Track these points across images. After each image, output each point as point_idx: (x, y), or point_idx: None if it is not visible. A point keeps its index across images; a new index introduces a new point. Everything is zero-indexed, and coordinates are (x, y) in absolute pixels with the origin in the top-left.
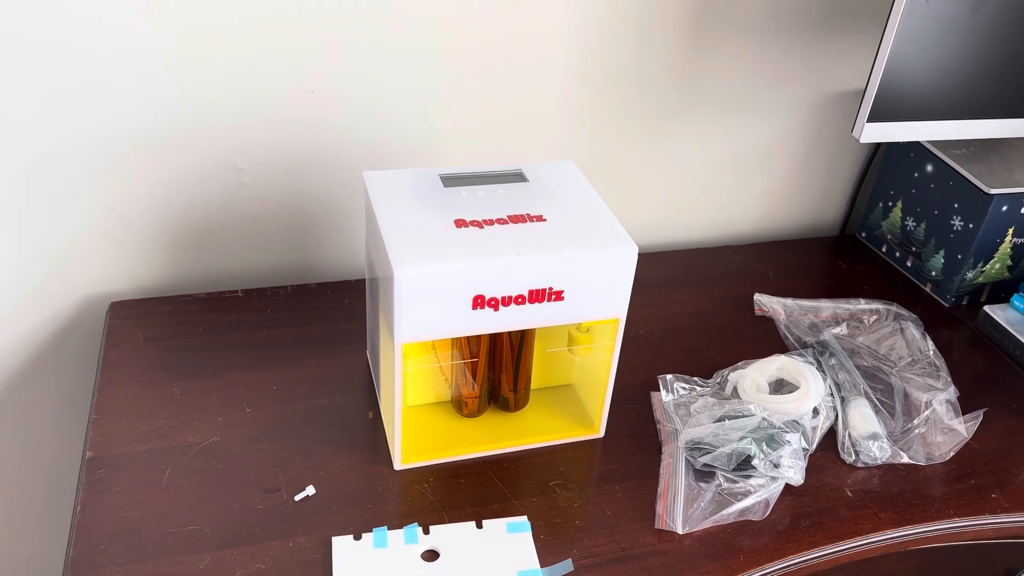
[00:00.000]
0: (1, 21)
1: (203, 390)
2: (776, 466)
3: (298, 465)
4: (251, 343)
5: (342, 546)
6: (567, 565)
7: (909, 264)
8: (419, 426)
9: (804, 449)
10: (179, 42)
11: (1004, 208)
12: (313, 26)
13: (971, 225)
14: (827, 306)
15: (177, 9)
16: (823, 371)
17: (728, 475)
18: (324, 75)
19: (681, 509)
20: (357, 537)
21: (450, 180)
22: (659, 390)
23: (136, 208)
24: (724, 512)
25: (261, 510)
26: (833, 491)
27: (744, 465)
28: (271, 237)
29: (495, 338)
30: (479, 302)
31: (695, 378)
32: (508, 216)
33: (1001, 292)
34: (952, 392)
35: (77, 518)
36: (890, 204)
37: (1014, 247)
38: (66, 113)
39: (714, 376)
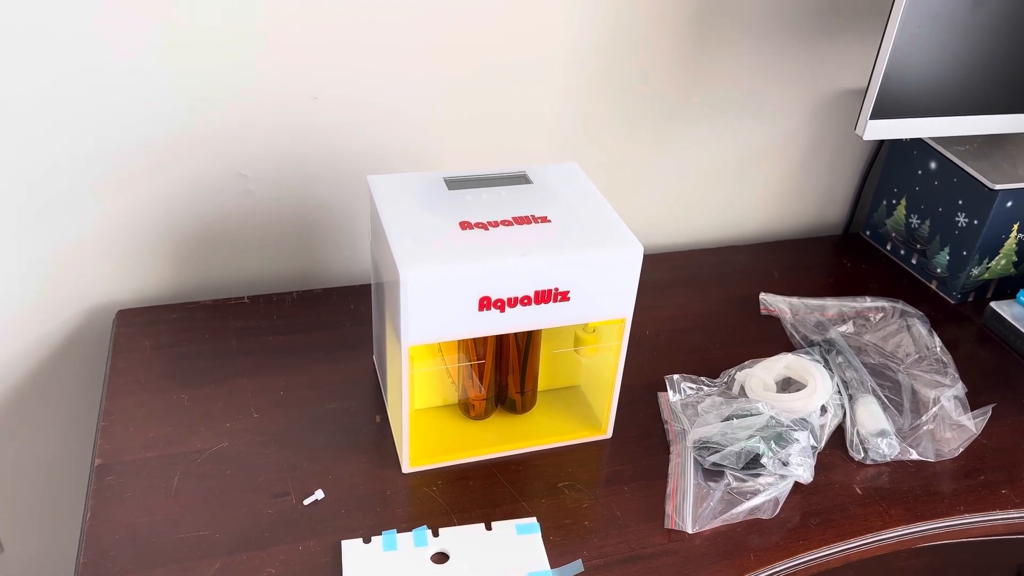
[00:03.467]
0: (5, 29)
1: (210, 396)
2: (785, 464)
3: (306, 469)
4: (258, 349)
5: (352, 549)
6: (577, 566)
7: (914, 261)
8: (426, 429)
9: (813, 447)
10: (182, 51)
11: (1009, 204)
12: (315, 33)
13: (976, 221)
14: (833, 304)
15: (180, 18)
16: (830, 369)
17: (737, 474)
18: (327, 81)
19: (690, 509)
20: (367, 540)
21: (454, 183)
22: (666, 390)
23: (141, 216)
24: (733, 511)
25: (270, 515)
26: (842, 489)
27: (753, 464)
28: (276, 243)
29: (502, 340)
30: (485, 303)
31: (702, 378)
32: (513, 218)
33: (1007, 288)
34: (960, 388)
35: (87, 525)
36: (894, 202)
37: (1019, 243)
38: (69, 121)
39: (721, 376)
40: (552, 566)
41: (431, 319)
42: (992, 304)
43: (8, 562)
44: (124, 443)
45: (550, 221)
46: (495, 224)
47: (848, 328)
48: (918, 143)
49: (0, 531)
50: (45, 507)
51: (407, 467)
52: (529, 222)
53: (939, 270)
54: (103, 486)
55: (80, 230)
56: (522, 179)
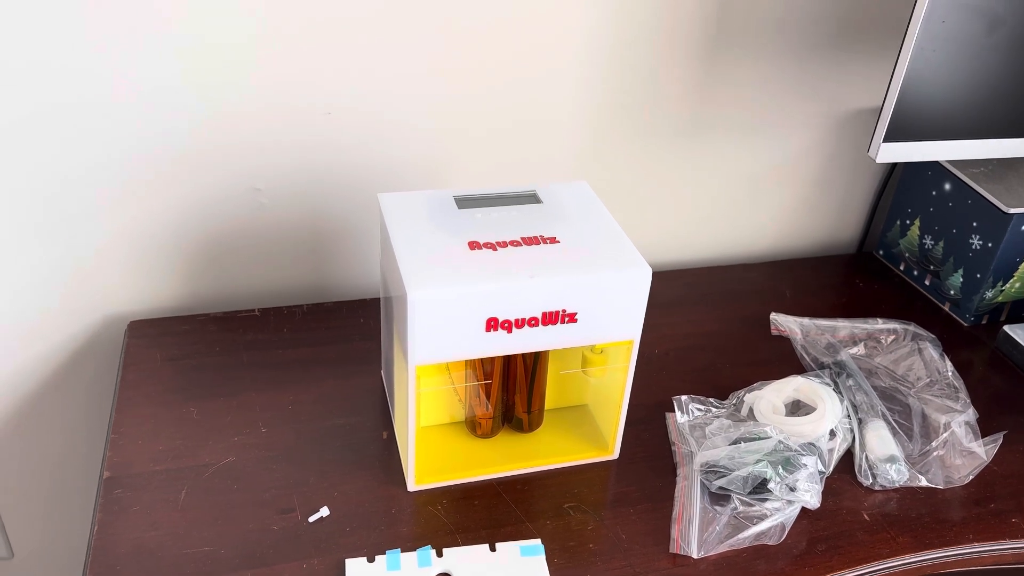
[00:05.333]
0: (21, 44)
1: (219, 410)
2: (792, 489)
3: (313, 486)
4: (267, 362)
5: (355, 569)
6: None
7: (927, 283)
8: (433, 447)
9: (821, 472)
10: (196, 65)
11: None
12: (329, 49)
13: (990, 244)
14: (844, 326)
15: (194, 32)
16: (840, 392)
17: (744, 498)
18: (340, 97)
19: (696, 533)
20: (370, 559)
21: (464, 202)
22: (674, 411)
23: (154, 228)
24: (740, 536)
25: (276, 531)
26: (850, 515)
27: (760, 488)
28: (287, 257)
29: (509, 359)
30: (492, 324)
31: (710, 399)
32: (522, 238)
33: (1021, 311)
34: (971, 414)
35: (94, 538)
36: (908, 222)
37: None
38: (84, 134)
39: (730, 397)
40: None
41: (438, 339)
42: (1006, 328)
43: (19, 568)
44: (133, 456)
45: (559, 242)
46: (504, 244)
47: (859, 350)
48: (933, 164)
49: (11, 537)
50: (56, 513)
51: (412, 485)
52: (538, 243)
53: (952, 292)
54: (111, 499)
55: (95, 241)
56: (532, 198)
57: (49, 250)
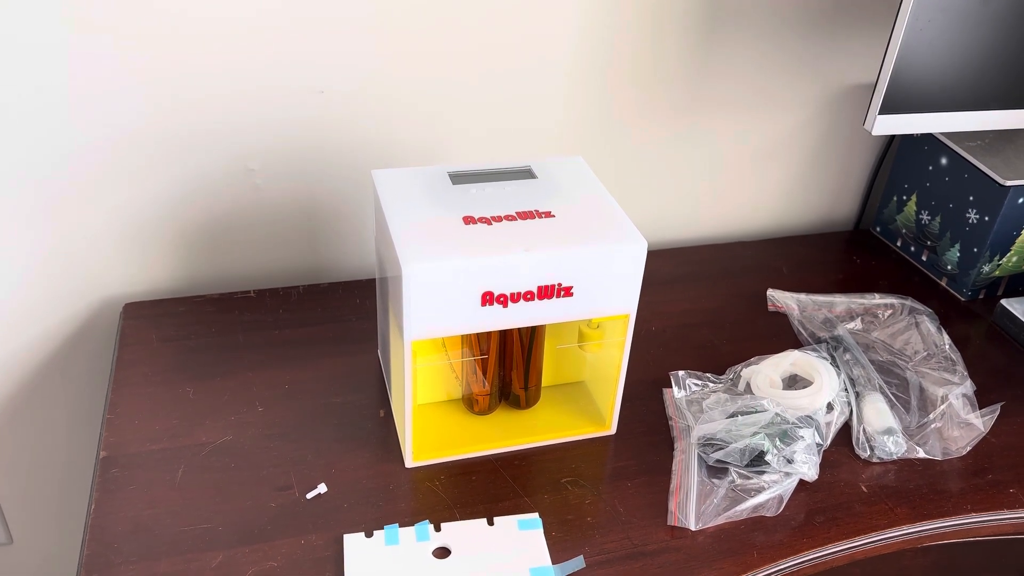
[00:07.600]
0: (15, 25)
1: (216, 390)
2: (790, 462)
3: (310, 463)
4: (264, 343)
5: (354, 543)
6: (579, 562)
7: (924, 258)
8: (430, 424)
9: (818, 444)
10: (190, 45)
11: (1020, 200)
12: (322, 27)
13: (987, 218)
14: (841, 301)
15: (187, 12)
16: (837, 366)
17: (741, 471)
18: (333, 76)
19: (694, 505)
20: (369, 534)
21: (459, 177)
22: (671, 386)
23: (149, 210)
24: (737, 508)
25: (273, 508)
26: (848, 487)
27: (757, 461)
28: (283, 237)
29: (505, 335)
30: (488, 299)
31: (708, 374)
32: (517, 212)
33: (1018, 285)
34: (969, 386)
35: (91, 517)
36: (904, 198)
37: None
38: (77, 115)
39: (727, 372)
40: (554, 562)
41: (433, 314)
42: (1003, 301)
43: (18, 553)
44: (129, 436)
45: (554, 216)
46: (498, 219)
47: (856, 325)
48: (929, 138)
49: (9, 522)
50: (54, 498)
51: (410, 462)
52: (533, 217)
53: (949, 267)
54: (108, 478)
55: (89, 224)
56: (527, 173)
57: (43, 233)
